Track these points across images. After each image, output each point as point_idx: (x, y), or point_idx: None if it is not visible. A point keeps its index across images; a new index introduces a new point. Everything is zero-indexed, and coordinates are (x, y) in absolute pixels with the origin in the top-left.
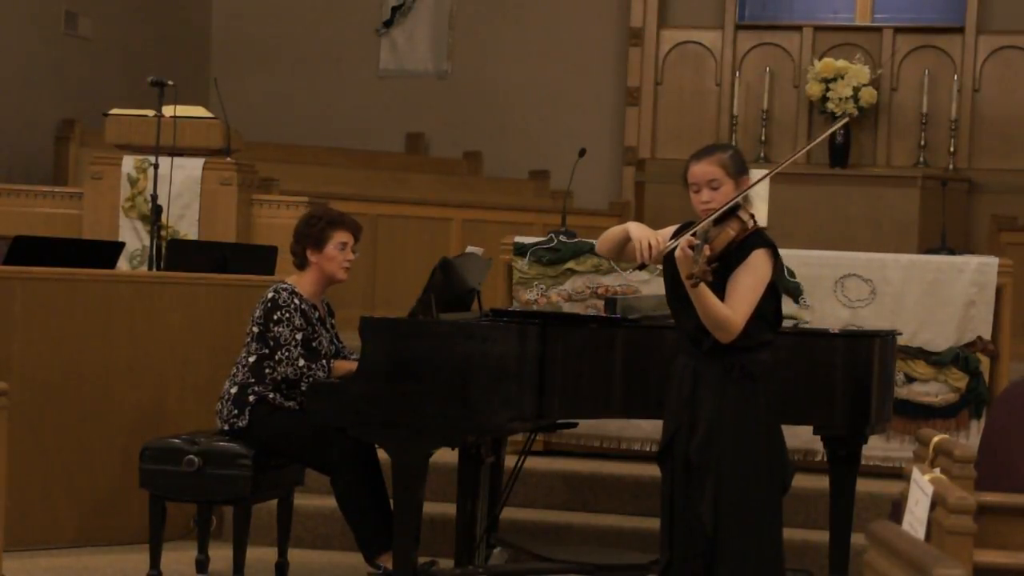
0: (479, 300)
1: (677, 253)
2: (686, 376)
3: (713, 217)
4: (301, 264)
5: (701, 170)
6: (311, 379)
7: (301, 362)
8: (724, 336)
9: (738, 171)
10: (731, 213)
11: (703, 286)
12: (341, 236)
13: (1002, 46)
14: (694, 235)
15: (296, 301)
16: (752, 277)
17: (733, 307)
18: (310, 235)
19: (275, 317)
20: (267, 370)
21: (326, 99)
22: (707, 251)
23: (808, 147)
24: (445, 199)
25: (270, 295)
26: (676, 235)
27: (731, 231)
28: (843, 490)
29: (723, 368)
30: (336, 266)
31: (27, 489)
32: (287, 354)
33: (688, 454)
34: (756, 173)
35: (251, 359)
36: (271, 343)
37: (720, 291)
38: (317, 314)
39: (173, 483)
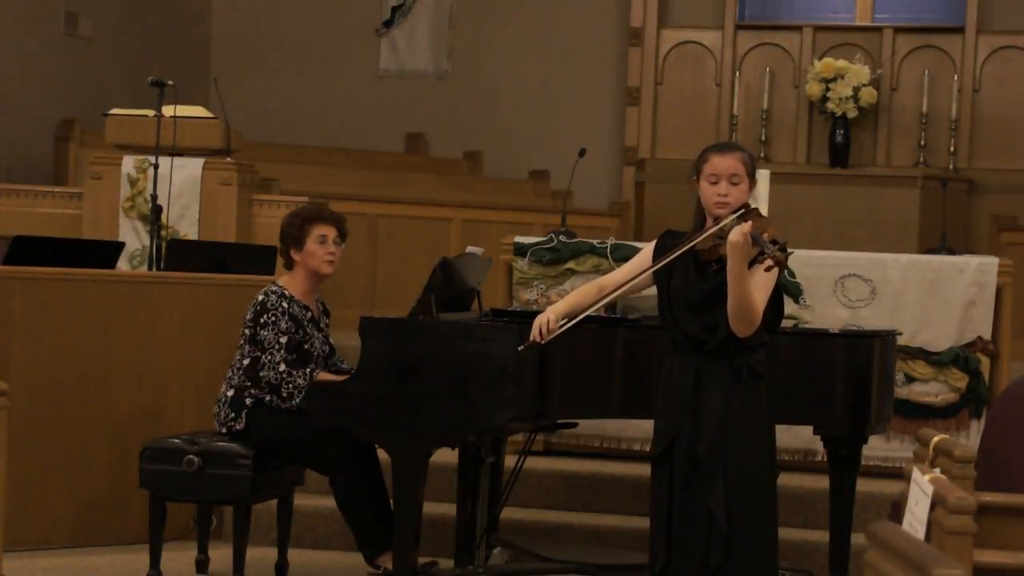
0: (479, 300)
1: (736, 239)
2: (687, 378)
3: (737, 215)
4: (288, 264)
5: (726, 164)
6: (291, 385)
7: (282, 367)
8: (746, 328)
9: (753, 174)
10: (748, 212)
11: (746, 276)
12: (319, 230)
13: (1002, 46)
14: (722, 229)
15: (284, 304)
16: (768, 276)
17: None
18: (290, 234)
19: (262, 320)
20: (260, 372)
21: (326, 99)
22: (767, 237)
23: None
24: (445, 199)
25: (260, 298)
26: (660, 244)
27: (772, 224)
28: (843, 490)
29: (731, 368)
30: (318, 260)
31: (27, 489)
32: (270, 358)
33: (695, 455)
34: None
35: (245, 362)
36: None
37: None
38: (309, 315)
39: (173, 483)
